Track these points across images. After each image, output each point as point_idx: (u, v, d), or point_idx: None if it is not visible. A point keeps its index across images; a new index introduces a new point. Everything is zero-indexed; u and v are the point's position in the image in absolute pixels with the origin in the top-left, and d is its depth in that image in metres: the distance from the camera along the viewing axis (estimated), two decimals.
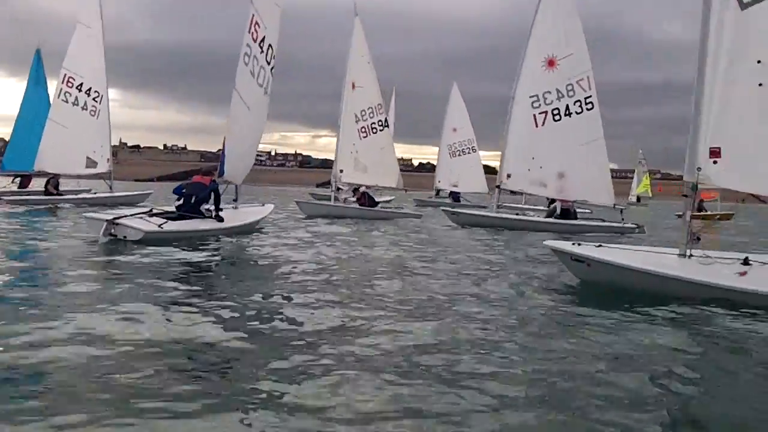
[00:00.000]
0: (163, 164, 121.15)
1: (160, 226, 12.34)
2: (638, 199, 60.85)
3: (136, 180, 77.27)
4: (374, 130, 23.81)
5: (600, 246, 9.47)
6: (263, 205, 17.64)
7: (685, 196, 9.01)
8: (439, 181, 37.63)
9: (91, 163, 26.97)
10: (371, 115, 23.79)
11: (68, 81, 25.80)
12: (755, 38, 8.48)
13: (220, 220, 14.11)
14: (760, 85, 8.44)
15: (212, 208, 14.15)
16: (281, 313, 6.93)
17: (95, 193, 26.81)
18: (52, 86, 27.59)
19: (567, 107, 19.44)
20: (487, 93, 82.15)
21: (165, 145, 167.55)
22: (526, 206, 28.18)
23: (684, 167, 9.02)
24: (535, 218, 21.53)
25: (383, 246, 14.09)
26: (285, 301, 7.63)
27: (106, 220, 11.92)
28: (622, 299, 8.05)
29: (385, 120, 24.06)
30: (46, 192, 25.65)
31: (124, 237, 11.79)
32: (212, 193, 14.21)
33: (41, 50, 29.94)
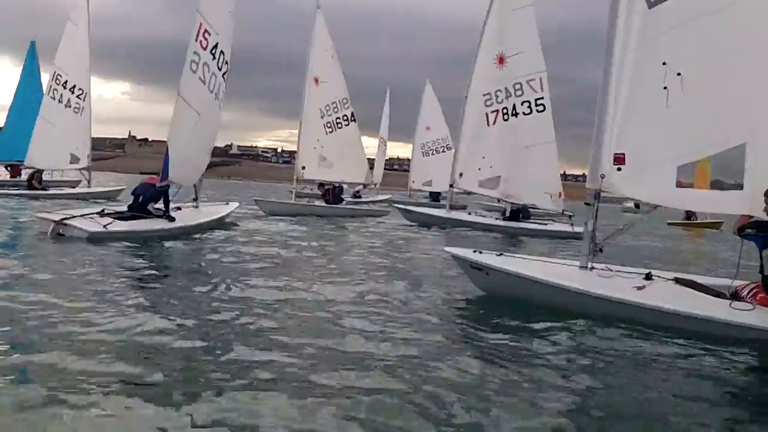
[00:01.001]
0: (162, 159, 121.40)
1: (105, 226, 12.00)
2: (637, 205, 58.69)
3: (142, 173, 76.18)
4: (340, 125, 22.45)
5: (501, 254, 8.44)
6: (227, 203, 17.24)
7: (588, 204, 7.85)
8: (413, 181, 35.34)
9: (74, 159, 26.44)
10: (336, 109, 22.41)
11: (56, 78, 25.51)
12: (662, 38, 7.46)
13: (171, 219, 13.61)
14: (665, 88, 7.38)
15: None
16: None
17: (74, 188, 25.94)
18: (46, 77, 27.09)
19: (514, 107, 18.18)
20: None
21: None
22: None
23: (587, 174, 7.88)
24: (484, 219, 20.19)
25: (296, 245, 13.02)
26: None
27: (54, 221, 11.81)
28: (516, 310, 7.29)
29: (351, 114, 22.65)
30: (29, 185, 24.97)
31: (71, 236, 11.66)
32: (160, 194, 13.70)
33: (35, 42, 29.39)
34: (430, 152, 34.22)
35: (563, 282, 7.32)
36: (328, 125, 22.25)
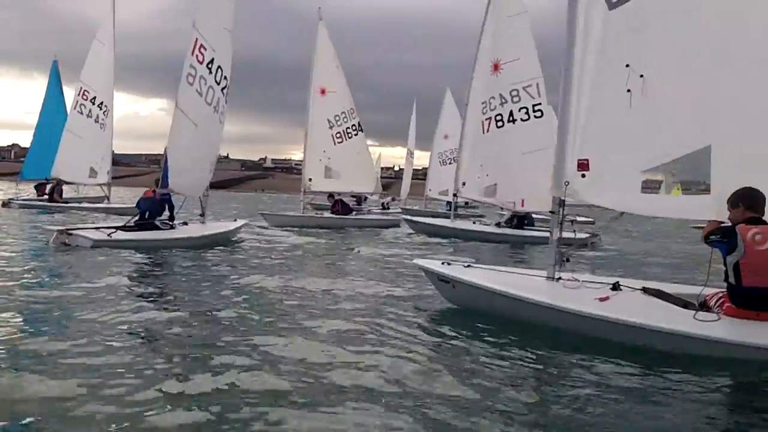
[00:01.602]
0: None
1: (108, 235, 12.24)
2: None
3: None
4: (349, 135, 21.95)
5: (469, 266, 7.93)
6: (235, 220, 17.23)
7: (552, 212, 7.32)
8: (430, 190, 33.98)
9: (92, 173, 26.65)
10: (345, 119, 21.91)
11: (83, 94, 25.87)
12: (624, 40, 6.93)
13: (171, 228, 13.81)
14: (628, 90, 6.84)
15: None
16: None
17: (91, 203, 26.13)
18: (69, 92, 27.44)
19: (511, 113, 17.46)
20: None
21: None
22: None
23: (551, 181, 7.41)
24: (487, 228, 19.49)
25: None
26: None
27: (57, 230, 12.17)
28: (478, 323, 6.87)
29: (359, 124, 22.18)
30: (50, 199, 25.15)
31: (76, 245, 11.82)
32: (165, 205, 13.82)
33: (57, 61, 29.69)
34: (448, 161, 32.97)
35: (523, 294, 6.81)
36: (338, 135, 21.82)
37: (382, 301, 8.18)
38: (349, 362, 5.26)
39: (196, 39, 14.61)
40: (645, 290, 6.91)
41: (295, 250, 14.15)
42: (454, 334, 6.62)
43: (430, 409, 4.28)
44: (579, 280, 7.17)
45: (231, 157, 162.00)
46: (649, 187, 6.97)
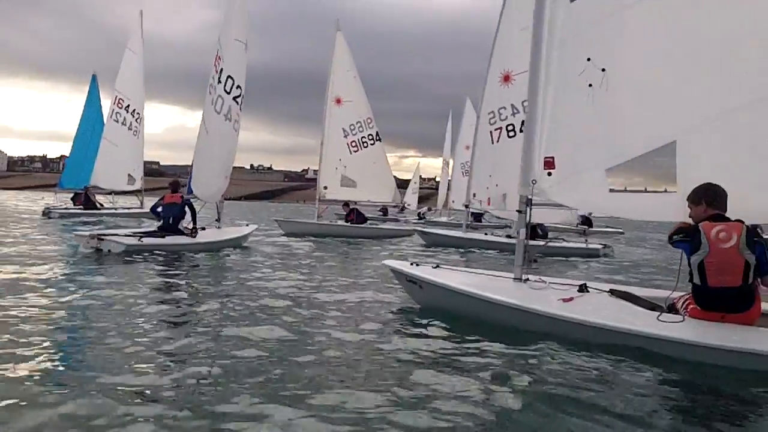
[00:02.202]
0: (248, 183, 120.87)
1: (139, 239, 12.60)
2: None
3: (224, 199, 77.39)
4: (365, 144, 21.68)
5: (437, 267, 7.67)
6: (247, 225, 17.77)
7: (519, 212, 6.99)
8: (453, 201, 33.06)
9: (131, 179, 27.06)
10: (361, 129, 21.65)
11: (118, 102, 26.48)
12: (585, 33, 6.67)
13: (194, 235, 13.98)
14: (590, 85, 6.57)
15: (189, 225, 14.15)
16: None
17: (129, 209, 26.50)
18: (106, 103, 28.12)
19: (522, 123, 16.90)
20: None
21: (252, 165, 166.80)
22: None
23: (519, 180, 7.11)
24: (498, 239, 18.95)
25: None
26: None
27: (89, 235, 12.41)
28: (445, 323, 6.59)
29: (377, 134, 21.91)
30: (86, 207, 25.60)
31: (108, 250, 12.00)
32: (187, 208, 14.05)
33: (96, 75, 30.22)
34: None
35: (487, 294, 6.54)
36: (353, 144, 21.59)
37: (350, 304, 7.93)
38: (292, 361, 5.12)
39: (217, 51, 15.40)
40: (612, 292, 6.60)
41: (293, 257, 13.96)
42: (418, 334, 6.38)
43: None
44: (546, 282, 6.91)
45: (275, 168, 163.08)
46: (614, 185, 6.59)
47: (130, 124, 26.71)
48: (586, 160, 6.68)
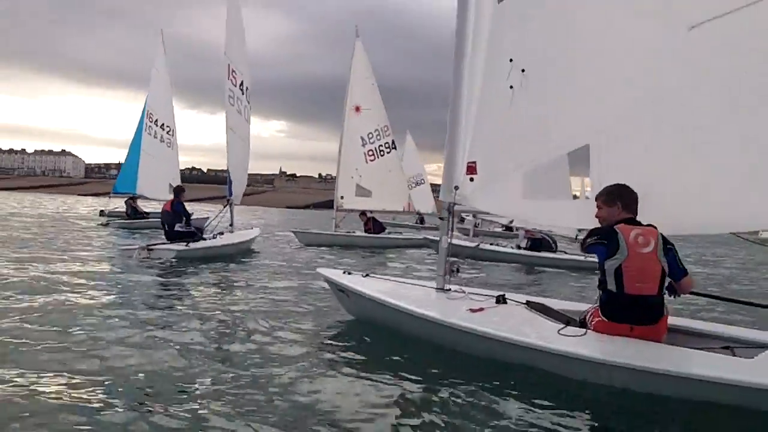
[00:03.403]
0: (315, 192, 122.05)
1: (186, 245, 13.56)
2: None
3: (288, 207, 78.23)
4: (381, 153, 21.35)
5: (367, 275, 7.46)
6: (252, 228, 18.79)
7: (441, 219, 6.72)
8: None
9: (171, 189, 27.78)
10: (378, 137, 21.34)
11: (149, 116, 27.20)
12: (509, 34, 6.34)
13: (201, 231, 14.92)
14: (511, 87, 6.22)
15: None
16: None
17: None
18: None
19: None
20: None
21: (320, 174, 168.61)
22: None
23: (441, 186, 6.81)
24: (504, 249, 18.24)
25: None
26: None
27: (139, 247, 13.20)
28: (371, 334, 6.48)
29: (392, 142, 21.64)
30: (130, 216, 26.39)
31: (159, 258, 12.76)
32: (177, 213, 14.50)
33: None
34: None
35: (396, 302, 6.27)
36: (370, 153, 21.27)
37: (283, 315, 7.67)
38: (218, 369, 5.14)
39: (228, 64, 16.58)
40: (528, 304, 6.23)
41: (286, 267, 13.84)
42: (344, 345, 6.26)
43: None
44: (465, 292, 6.59)
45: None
46: (528, 191, 6.22)
47: (161, 137, 27.80)
48: (504, 165, 6.35)
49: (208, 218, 17.92)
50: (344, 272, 7.57)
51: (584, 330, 5.24)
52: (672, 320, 5.45)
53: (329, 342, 6.42)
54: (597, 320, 5.22)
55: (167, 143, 27.31)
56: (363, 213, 21.60)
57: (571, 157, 6.03)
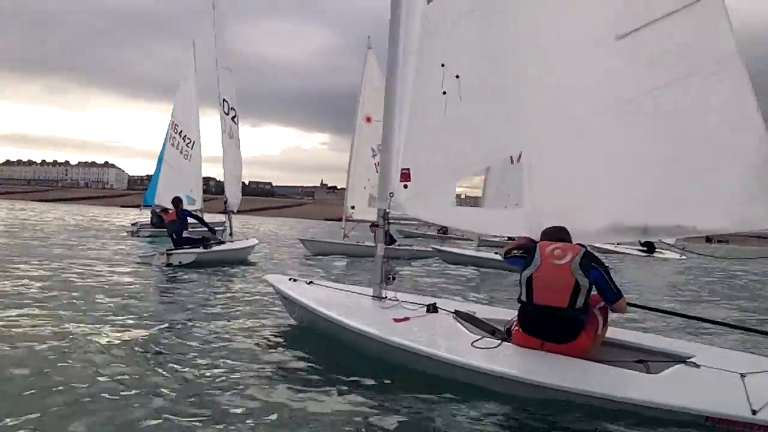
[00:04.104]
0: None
1: (205, 247, 14.23)
2: None
3: (326, 219, 78.14)
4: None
5: (311, 282, 7.40)
6: (248, 239, 18.60)
7: (376, 226, 6.59)
8: None
9: (191, 200, 27.95)
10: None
11: (174, 127, 27.07)
12: (440, 37, 6.18)
13: (214, 232, 15.81)
14: (444, 93, 6.06)
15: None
16: None
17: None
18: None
19: None
20: None
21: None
22: None
23: (377, 193, 6.75)
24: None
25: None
26: None
27: (158, 253, 13.70)
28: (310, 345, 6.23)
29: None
30: (155, 225, 26.80)
31: (179, 262, 13.19)
32: (186, 220, 15.00)
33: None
34: None
35: (327, 312, 6.13)
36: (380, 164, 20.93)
37: (233, 324, 7.50)
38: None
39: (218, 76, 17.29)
40: (456, 313, 6.08)
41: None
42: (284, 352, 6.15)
43: None
44: (399, 300, 6.46)
45: None
46: (463, 199, 6.05)
47: (182, 148, 27.55)
48: (437, 172, 6.23)
49: (224, 223, 18.12)
50: (290, 279, 7.49)
51: (498, 342, 5.14)
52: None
53: (270, 350, 6.27)
54: (516, 330, 5.17)
55: (185, 155, 27.36)
56: (373, 225, 21.21)
57: (502, 165, 5.90)
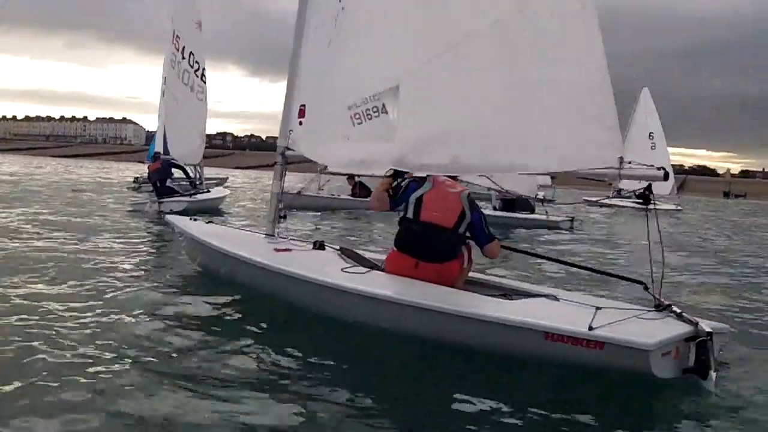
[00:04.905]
0: None
1: (191, 196, 14.98)
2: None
3: (323, 172, 77.80)
4: (369, 117, 20.38)
5: (210, 222, 7.43)
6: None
7: (276, 164, 6.52)
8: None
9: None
10: (365, 101, 20.35)
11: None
12: None
13: (194, 185, 16.31)
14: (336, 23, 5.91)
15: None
16: None
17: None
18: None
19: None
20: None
21: None
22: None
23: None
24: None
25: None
26: None
27: (151, 200, 14.16)
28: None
29: (383, 106, 20.66)
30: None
31: (170, 210, 12.72)
32: (169, 169, 15.63)
33: None
34: None
35: (212, 241, 6.15)
36: (356, 116, 20.56)
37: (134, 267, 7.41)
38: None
39: (173, 31, 16.77)
40: (341, 249, 6.12)
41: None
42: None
43: None
44: (287, 238, 6.47)
45: None
46: (346, 136, 6.03)
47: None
48: (325, 107, 6.16)
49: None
50: (191, 219, 7.39)
51: (368, 269, 5.18)
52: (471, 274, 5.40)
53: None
54: (391, 252, 5.23)
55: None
56: (351, 177, 20.87)
57: (383, 97, 5.81)
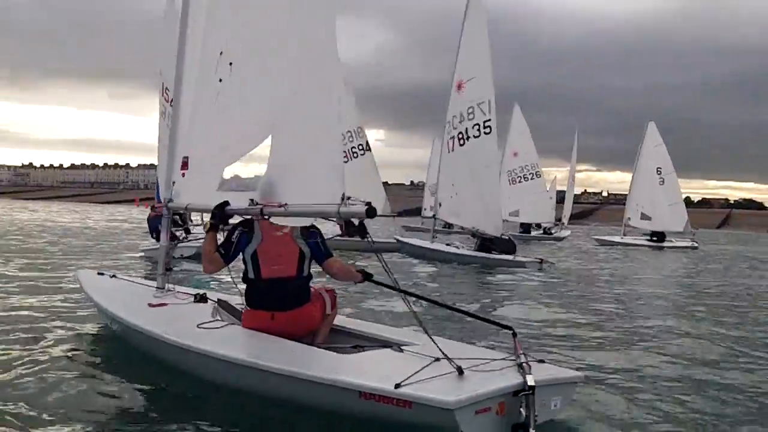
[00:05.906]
0: (403, 199, 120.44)
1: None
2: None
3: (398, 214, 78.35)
4: (355, 155, 20.53)
5: (113, 276, 7.22)
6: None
7: (164, 216, 6.45)
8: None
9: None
10: (351, 139, 20.45)
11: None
12: (218, 24, 5.94)
13: (188, 231, 15.41)
14: (220, 81, 5.82)
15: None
16: None
17: None
18: None
19: (467, 130, 16.31)
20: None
21: (411, 182, 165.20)
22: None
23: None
24: (458, 251, 17.56)
25: None
26: None
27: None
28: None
29: (366, 144, 20.92)
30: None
31: (181, 255, 13.15)
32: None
33: None
34: (518, 179, 30.07)
35: (95, 296, 6.19)
36: (344, 154, 20.66)
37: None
38: None
39: (162, 83, 16.41)
40: (218, 302, 5.93)
41: None
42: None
43: None
44: (174, 290, 6.31)
45: None
46: (222, 186, 5.91)
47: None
48: (208, 158, 5.99)
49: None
50: (99, 273, 7.31)
51: (225, 324, 5.04)
52: (341, 320, 5.32)
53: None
54: (244, 310, 5.06)
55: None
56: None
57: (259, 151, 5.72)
